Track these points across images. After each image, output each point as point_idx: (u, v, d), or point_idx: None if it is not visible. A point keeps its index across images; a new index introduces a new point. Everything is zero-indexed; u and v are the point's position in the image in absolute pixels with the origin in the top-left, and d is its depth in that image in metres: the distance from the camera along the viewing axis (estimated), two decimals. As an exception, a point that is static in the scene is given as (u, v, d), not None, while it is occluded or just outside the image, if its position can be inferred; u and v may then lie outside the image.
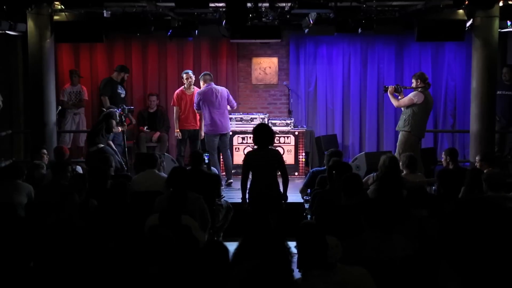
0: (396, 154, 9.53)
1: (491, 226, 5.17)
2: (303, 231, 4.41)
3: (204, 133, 10.55)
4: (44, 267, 4.79)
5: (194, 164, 8.04)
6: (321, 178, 7.70)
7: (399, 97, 9.71)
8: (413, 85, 9.57)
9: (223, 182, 10.13)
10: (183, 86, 11.02)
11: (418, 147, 9.60)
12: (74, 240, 4.98)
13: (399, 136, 9.62)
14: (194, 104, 10.55)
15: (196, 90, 10.85)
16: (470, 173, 7.23)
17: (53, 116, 9.89)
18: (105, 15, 9.52)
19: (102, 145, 9.74)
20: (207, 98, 10.39)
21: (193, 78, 10.97)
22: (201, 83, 10.54)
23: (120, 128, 10.10)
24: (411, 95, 9.52)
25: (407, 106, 9.50)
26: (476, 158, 8.26)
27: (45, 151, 8.83)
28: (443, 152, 8.58)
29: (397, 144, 9.63)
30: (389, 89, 9.73)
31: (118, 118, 10.08)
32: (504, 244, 4.89)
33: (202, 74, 10.69)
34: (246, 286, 3.54)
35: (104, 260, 4.62)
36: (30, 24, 9.42)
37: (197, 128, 10.99)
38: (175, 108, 10.94)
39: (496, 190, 6.49)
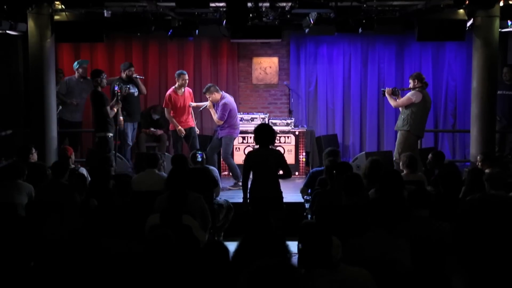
0: (395, 154, 9.54)
1: (504, 224, 5.20)
2: (308, 230, 4.40)
3: (231, 136, 10.55)
4: (44, 267, 4.78)
5: (176, 165, 7.85)
6: (322, 179, 7.68)
7: (397, 99, 9.77)
8: (411, 85, 9.66)
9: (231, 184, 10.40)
10: (174, 87, 10.91)
11: (416, 146, 9.62)
12: (74, 240, 4.97)
13: (398, 135, 9.65)
14: (220, 116, 10.39)
15: (187, 90, 10.86)
16: (471, 173, 7.22)
17: (53, 116, 9.88)
18: (105, 15, 9.51)
19: (111, 134, 9.73)
20: (233, 107, 10.57)
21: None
22: (214, 95, 10.46)
23: (115, 109, 9.98)
24: (409, 94, 9.60)
25: (406, 106, 9.54)
26: (478, 157, 8.26)
27: (33, 149, 8.77)
28: (429, 155, 8.64)
29: (396, 143, 9.64)
30: (387, 90, 9.81)
31: (111, 99, 9.96)
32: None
33: (209, 86, 10.61)
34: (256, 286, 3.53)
35: (104, 260, 4.62)
36: (31, 24, 9.41)
37: (193, 126, 10.95)
38: (166, 109, 10.86)
39: (498, 189, 6.50)
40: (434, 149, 11.00)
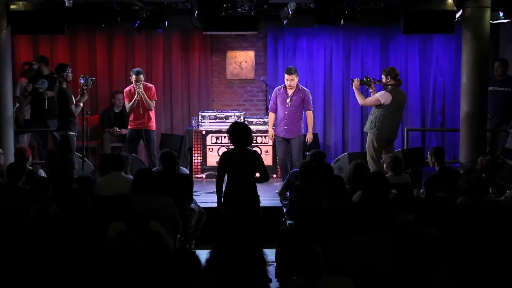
0: (367, 158, 9.49)
1: (494, 229, 5.22)
2: (289, 237, 4.40)
3: None
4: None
5: (166, 165, 7.96)
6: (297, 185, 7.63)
7: (370, 90, 9.72)
8: (383, 80, 9.54)
9: None
10: (133, 85, 10.63)
11: (390, 148, 9.51)
12: (31, 247, 4.91)
13: (367, 137, 9.58)
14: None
15: (145, 86, 10.59)
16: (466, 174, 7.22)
17: (10, 114, 9.75)
18: (66, 4, 9.41)
19: (73, 133, 9.61)
20: None
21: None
22: (296, 79, 10.31)
23: (81, 104, 9.79)
24: (377, 95, 9.50)
25: (376, 106, 9.48)
26: (478, 161, 8.12)
27: (1, 150, 8.68)
28: (428, 152, 8.60)
29: (366, 145, 9.59)
30: (354, 83, 9.67)
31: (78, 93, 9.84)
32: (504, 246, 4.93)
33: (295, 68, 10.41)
34: None
35: (66, 269, 4.57)
36: (-16, 14, 9.31)
37: (152, 129, 10.65)
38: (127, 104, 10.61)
39: (481, 195, 6.46)
40: (421, 149, 11.03)
